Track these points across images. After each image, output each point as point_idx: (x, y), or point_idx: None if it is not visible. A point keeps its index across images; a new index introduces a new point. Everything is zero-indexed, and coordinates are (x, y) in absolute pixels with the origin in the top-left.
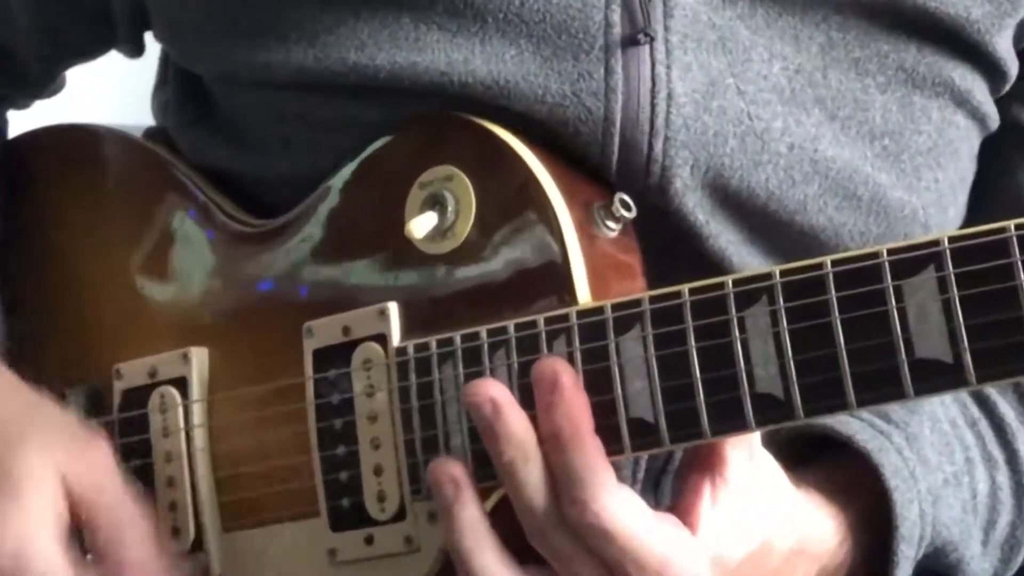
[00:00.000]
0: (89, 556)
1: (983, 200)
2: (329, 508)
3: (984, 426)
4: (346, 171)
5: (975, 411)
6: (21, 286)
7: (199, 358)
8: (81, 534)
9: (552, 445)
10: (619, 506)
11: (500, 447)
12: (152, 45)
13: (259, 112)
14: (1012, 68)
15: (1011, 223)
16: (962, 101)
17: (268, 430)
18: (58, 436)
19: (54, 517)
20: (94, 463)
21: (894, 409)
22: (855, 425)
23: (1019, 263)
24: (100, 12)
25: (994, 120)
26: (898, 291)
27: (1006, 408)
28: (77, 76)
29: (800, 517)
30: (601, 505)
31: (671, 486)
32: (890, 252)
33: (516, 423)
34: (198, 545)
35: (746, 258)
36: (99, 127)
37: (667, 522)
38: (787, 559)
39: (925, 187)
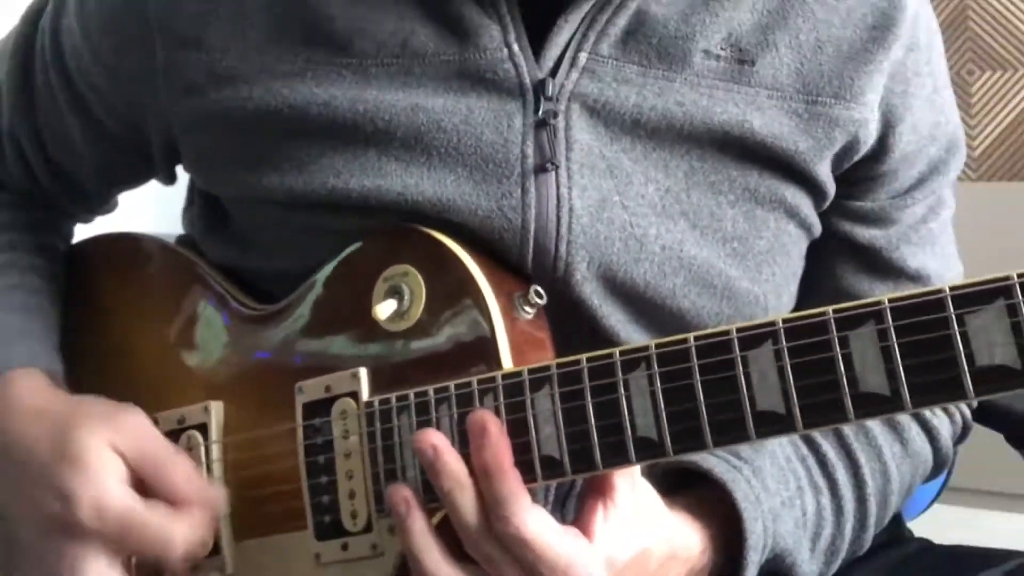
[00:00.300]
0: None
1: (810, 291)
2: (314, 522)
3: (811, 461)
4: (327, 268)
5: (804, 449)
6: (79, 357)
7: (216, 409)
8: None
9: (482, 476)
10: (534, 521)
11: (440, 480)
12: (182, 174)
13: (262, 223)
14: (830, 189)
15: (830, 308)
16: (793, 214)
17: (268, 464)
18: (101, 416)
19: (116, 472)
20: (133, 427)
21: (743, 448)
22: (713, 461)
23: (835, 338)
24: (142, 152)
25: (817, 228)
26: (744, 360)
27: (827, 447)
28: (128, 195)
29: (672, 530)
30: (521, 520)
31: (574, 506)
32: (738, 330)
33: (451, 462)
34: (216, 551)
35: (632, 334)
36: (143, 235)
37: (571, 533)
38: (662, 563)
39: (765, 279)
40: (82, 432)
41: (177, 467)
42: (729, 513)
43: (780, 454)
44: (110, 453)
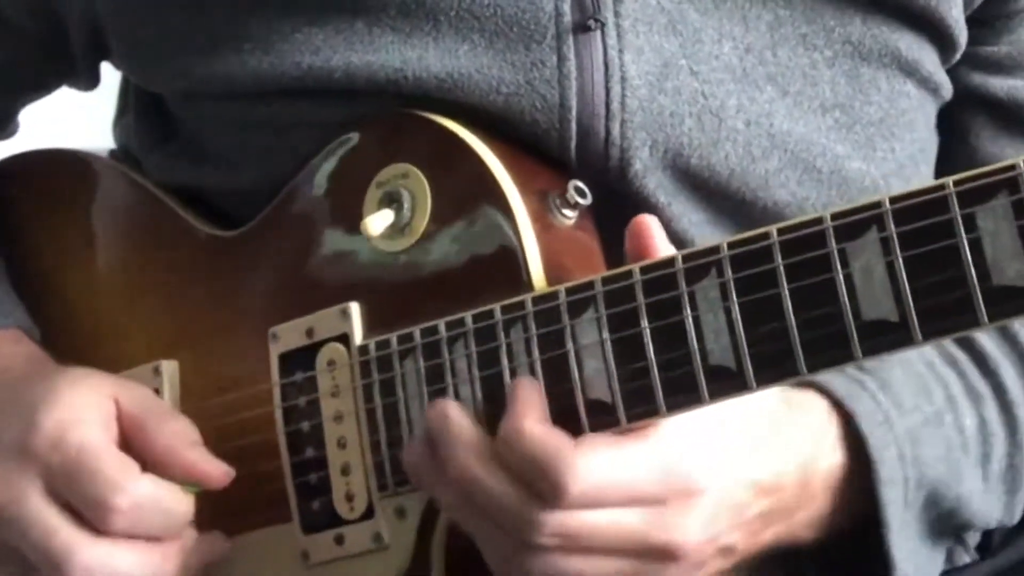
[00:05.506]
0: None
1: (945, 169)
2: (300, 511)
3: (965, 363)
4: (305, 175)
5: (955, 350)
6: None
7: (170, 370)
8: None
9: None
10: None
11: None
12: (107, 76)
13: (220, 124)
14: (961, 36)
15: (950, 179)
16: (911, 71)
17: (238, 438)
18: (106, 377)
19: (100, 413)
20: (137, 389)
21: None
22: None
23: (958, 218)
24: (58, 45)
25: (947, 89)
26: (843, 255)
27: (986, 341)
28: (44, 105)
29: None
30: (574, 474)
31: None
32: (833, 217)
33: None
34: None
35: (710, 241)
36: (67, 151)
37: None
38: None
39: (882, 157)
40: (79, 376)
41: (185, 431)
42: (853, 443)
43: (917, 359)
44: (104, 397)
